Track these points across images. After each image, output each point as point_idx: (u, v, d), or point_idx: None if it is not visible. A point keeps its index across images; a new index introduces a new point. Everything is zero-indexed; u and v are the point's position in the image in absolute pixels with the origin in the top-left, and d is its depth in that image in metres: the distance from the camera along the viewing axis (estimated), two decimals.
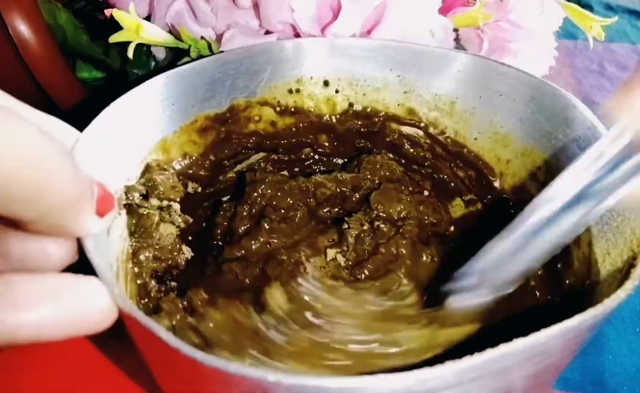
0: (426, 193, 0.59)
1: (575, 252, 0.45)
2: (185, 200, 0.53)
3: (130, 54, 0.62)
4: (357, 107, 0.60)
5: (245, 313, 0.46)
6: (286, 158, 0.61)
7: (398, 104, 0.59)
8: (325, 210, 0.56)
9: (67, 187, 0.30)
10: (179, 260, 0.50)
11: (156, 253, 0.49)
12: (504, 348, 0.28)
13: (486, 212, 0.58)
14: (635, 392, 0.52)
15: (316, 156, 0.62)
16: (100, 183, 0.34)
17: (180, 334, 0.43)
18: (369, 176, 0.58)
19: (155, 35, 0.64)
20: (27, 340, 0.31)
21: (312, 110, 0.60)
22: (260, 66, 0.56)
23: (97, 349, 0.53)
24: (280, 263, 0.50)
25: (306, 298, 0.48)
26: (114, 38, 0.62)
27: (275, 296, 0.47)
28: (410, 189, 0.58)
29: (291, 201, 0.55)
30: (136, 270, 0.47)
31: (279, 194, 0.55)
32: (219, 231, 0.54)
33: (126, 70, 0.70)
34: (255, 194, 0.55)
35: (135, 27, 0.61)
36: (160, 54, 0.70)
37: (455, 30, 0.66)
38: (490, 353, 0.28)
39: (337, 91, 0.59)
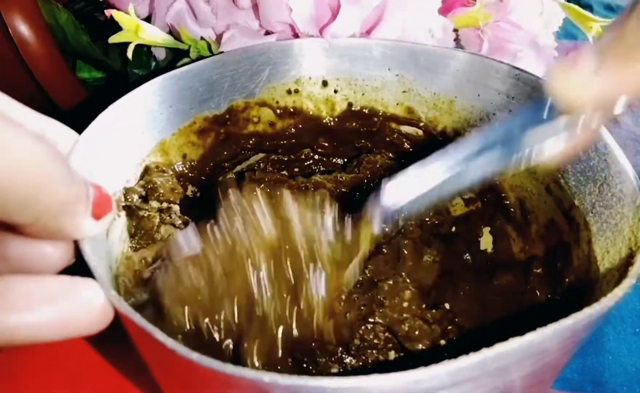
0: None
1: (575, 251, 0.46)
2: (185, 201, 0.53)
3: (129, 54, 0.62)
4: (356, 107, 0.60)
5: None
6: (285, 159, 0.61)
7: (397, 104, 0.59)
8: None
9: (61, 191, 0.30)
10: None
11: (156, 254, 0.49)
12: (500, 348, 0.28)
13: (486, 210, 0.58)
14: (635, 392, 0.52)
15: (316, 157, 0.62)
16: (97, 185, 0.34)
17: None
18: (369, 176, 0.59)
19: (154, 35, 0.64)
20: (25, 341, 0.31)
21: (311, 110, 0.60)
22: (258, 66, 0.56)
23: (97, 349, 0.54)
24: None
25: None
26: (114, 39, 0.62)
27: None
28: None
29: None
30: (136, 270, 0.47)
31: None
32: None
33: (126, 70, 0.70)
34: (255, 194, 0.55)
35: (134, 28, 0.61)
36: (161, 54, 0.70)
37: (455, 30, 0.66)
38: (486, 353, 0.28)
39: (335, 91, 0.59)
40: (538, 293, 0.49)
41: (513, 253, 0.55)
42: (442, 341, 0.47)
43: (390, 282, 0.49)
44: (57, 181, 0.29)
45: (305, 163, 0.62)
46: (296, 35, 0.61)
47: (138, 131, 0.49)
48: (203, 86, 0.54)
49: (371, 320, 0.46)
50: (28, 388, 0.52)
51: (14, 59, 0.59)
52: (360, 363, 0.45)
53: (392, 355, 0.46)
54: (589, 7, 1.04)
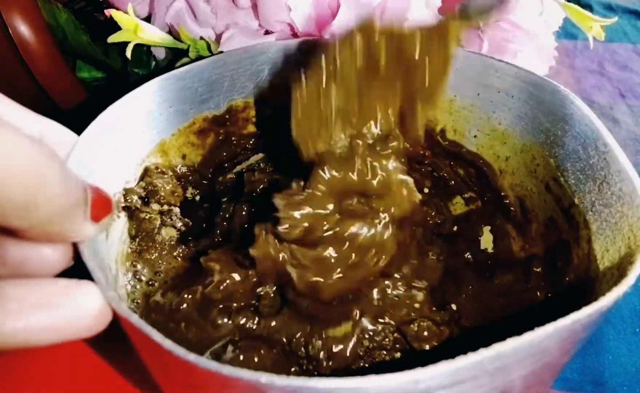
0: (426, 190, 0.59)
1: (575, 249, 0.45)
2: (185, 202, 0.53)
3: (128, 54, 0.62)
4: None
5: None
6: (286, 158, 0.61)
7: None
8: None
9: (59, 196, 0.30)
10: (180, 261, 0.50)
11: (157, 255, 0.49)
12: (498, 348, 0.28)
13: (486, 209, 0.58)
14: (635, 392, 0.52)
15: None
16: (95, 187, 0.34)
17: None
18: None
19: (153, 35, 0.64)
20: (22, 345, 0.31)
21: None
22: (258, 66, 0.56)
23: (96, 350, 0.54)
24: None
25: None
26: (113, 38, 0.62)
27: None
28: None
29: None
30: (135, 270, 0.48)
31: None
32: (218, 231, 0.53)
33: (126, 70, 0.70)
34: (254, 194, 0.55)
35: (133, 28, 0.61)
36: (160, 53, 0.70)
37: None
38: (484, 353, 0.28)
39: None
40: (538, 292, 0.49)
41: (513, 251, 0.54)
42: (449, 342, 0.47)
43: (402, 282, 0.49)
44: (55, 186, 0.29)
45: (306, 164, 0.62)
46: (295, 35, 0.61)
47: (138, 131, 0.49)
48: (202, 86, 0.54)
49: (381, 320, 0.46)
50: (28, 389, 0.52)
51: (14, 59, 0.59)
52: (367, 365, 0.45)
53: (399, 355, 0.46)
54: (589, 7, 1.05)
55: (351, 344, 0.44)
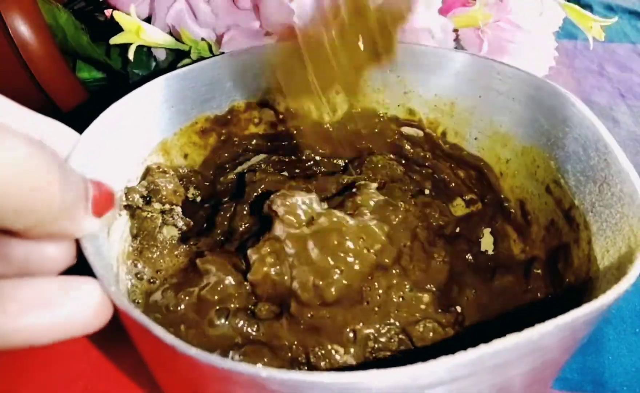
0: (427, 192, 0.59)
1: (575, 251, 0.45)
2: (187, 202, 0.54)
3: (131, 56, 0.62)
4: (357, 108, 0.60)
5: None
6: (287, 160, 0.61)
7: (398, 105, 0.59)
8: None
9: (57, 198, 0.30)
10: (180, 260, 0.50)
11: (159, 254, 0.49)
12: (498, 344, 0.28)
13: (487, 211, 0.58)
14: (636, 392, 0.52)
15: (317, 158, 0.62)
16: (97, 181, 0.34)
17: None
18: (370, 176, 0.59)
19: (155, 37, 0.64)
20: (22, 345, 0.31)
21: (313, 112, 0.60)
22: (260, 67, 0.56)
23: (97, 348, 0.54)
24: None
25: None
26: (115, 40, 0.62)
27: None
28: (411, 188, 0.58)
29: None
30: (136, 269, 0.48)
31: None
32: (219, 230, 0.54)
33: (127, 71, 0.70)
34: (255, 194, 0.55)
35: (135, 29, 0.61)
36: (161, 54, 0.70)
37: (455, 30, 0.66)
38: (484, 349, 0.28)
39: (337, 92, 0.59)
40: (538, 294, 0.49)
41: (514, 254, 0.54)
42: (453, 343, 0.47)
43: (408, 283, 0.49)
44: (52, 188, 0.29)
45: (307, 164, 0.62)
46: None
47: (139, 130, 0.49)
48: (205, 86, 0.54)
49: (389, 321, 0.46)
50: (28, 388, 0.52)
51: (14, 59, 0.59)
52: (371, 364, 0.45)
53: (404, 356, 0.46)
54: (589, 7, 1.05)
55: (353, 352, 0.45)
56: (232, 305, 0.46)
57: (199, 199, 0.56)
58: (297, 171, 0.61)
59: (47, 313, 0.31)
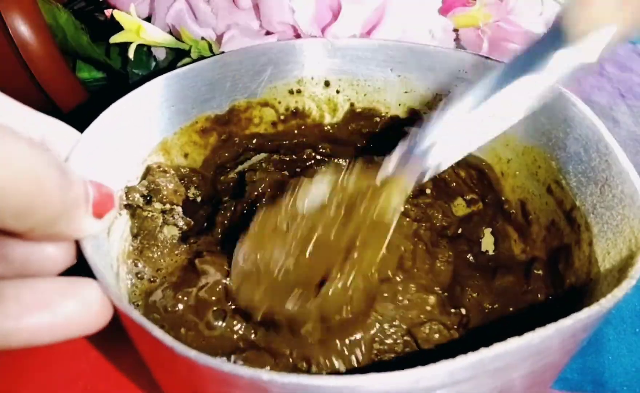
0: (428, 191, 0.59)
1: (576, 252, 0.45)
2: (187, 201, 0.54)
3: (131, 55, 0.62)
4: (358, 107, 0.60)
5: None
6: (287, 159, 0.61)
7: (399, 104, 0.59)
8: None
9: (57, 200, 0.30)
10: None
11: (159, 253, 0.49)
12: (498, 348, 0.28)
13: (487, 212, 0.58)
14: (635, 392, 0.52)
15: (318, 157, 0.62)
16: (97, 183, 0.34)
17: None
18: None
19: (155, 36, 0.64)
20: (22, 345, 0.31)
21: (314, 111, 0.60)
22: (260, 66, 0.56)
23: (97, 348, 0.54)
24: None
25: None
26: (115, 39, 0.62)
27: None
28: None
29: None
30: (137, 268, 0.48)
31: (279, 193, 0.55)
32: (219, 229, 0.54)
33: (127, 70, 0.70)
34: (256, 193, 0.55)
35: (135, 28, 0.61)
36: (161, 54, 0.70)
37: (455, 30, 0.66)
38: (484, 353, 0.28)
39: (338, 92, 0.59)
40: (539, 295, 0.49)
41: (514, 254, 0.54)
42: (458, 344, 0.47)
43: (414, 285, 0.49)
44: (52, 190, 0.29)
45: (307, 164, 0.62)
46: (297, 36, 0.61)
47: (140, 130, 0.49)
48: (205, 85, 0.54)
49: (395, 323, 0.46)
50: (27, 388, 0.52)
51: (14, 59, 0.59)
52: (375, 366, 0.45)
53: (408, 358, 0.46)
54: None
55: (356, 356, 0.45)
56: (229, 306, 0.46)
57: (199, 199, 0.56)
58: (297, 169, 0.61)
59: (47, 314, 0.31)
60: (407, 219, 0.53)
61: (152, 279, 0.48)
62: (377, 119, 0.60)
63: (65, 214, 0.31)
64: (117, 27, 0.61)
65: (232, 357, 0.43)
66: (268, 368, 0.42)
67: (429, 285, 0.49)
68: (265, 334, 0.45)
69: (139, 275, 0.47)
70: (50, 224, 0.30)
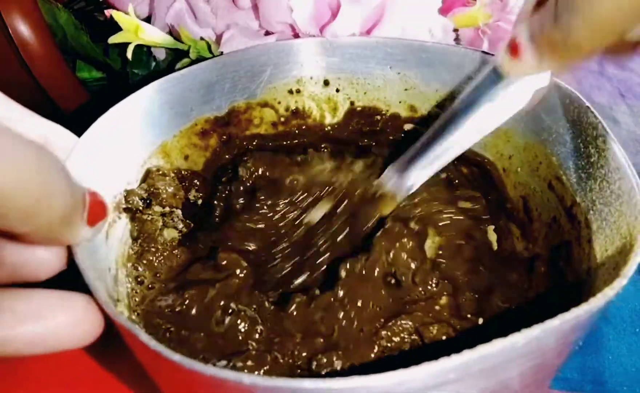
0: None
1: (577, 249, 0.45)
2: (187, 204, 0.54)
3: (129, 55, 0.62)
4: (359, 106, 0.60)
5: None
6: None
7: (399, 102, 0.59)
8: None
9: (61, 203, 0.30)
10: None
11: (159, 256, 0.49)
12: (482, 350, 0.28)
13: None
14: (635, 392, 0.52)
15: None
16: (92, 191, 0.34)
17: None
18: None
19: (154, 36, 0.64)
20: (14, 355, 0.32)
21: (314, 110, 0.60)
22: (259, 67, 0.56)
23: (94, 351, 0.54)
24: None
25: None
26: (113, 39, 0.62)
27: None
28: None
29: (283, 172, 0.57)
30: (137, 272, 0.48)
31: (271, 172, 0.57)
32: (217, 212, 0.54)
33: (126, 70, 0.70)
34: (248, 173, 0.55)
35: (134, 28, 0.62)
36: (161, 54, 0.70)
37: (455, 30, 0.66)
38: (468, 355, 0.28)
39: (337, 91, 0.59)
40: (539, 293, 0.49)
41: (517, 251, 0.54)
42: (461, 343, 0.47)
43: (426, 286, 0.49)
44: (57, 193, 0.29)
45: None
46: (296, 35, 0.61)
47: (139, 133, 0.50)
48: (204, 87, 0.54)
49: (404, 324, 0.46)
50: (28, 388, 0.52)
51: (14, 59, 0.59)
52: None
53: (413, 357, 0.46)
54: None
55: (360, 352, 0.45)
56: (236, 302, 0.46)
57: (200, 201, 0.56)
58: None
59: (40, 325, 0.32)
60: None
61: (152, 283, 0.48)
62: (378, 117, 0.60)
63: (66, 218, 0.31)
64: (117, 27, 0.61)
65: (233, 359, 0.43)
66: (267, 368, 0.42)
67: (441, 285, 0.49)
68: (266, 332, 0.45)
69: (138, 279, 0.48)
70: (51, 227, 0.30)
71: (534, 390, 0.36)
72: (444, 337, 0.46)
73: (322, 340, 0.45)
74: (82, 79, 0.72)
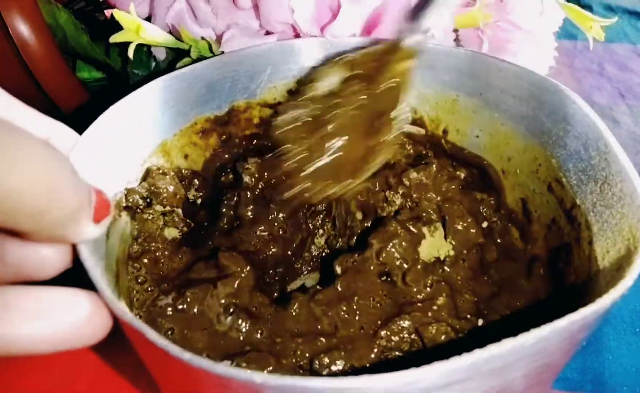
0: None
1: (577, 251, 0.45)
2: (187, 203, 0.54)
3: (130, 54, 0.62)
4: None
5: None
6: None
7: None
8: None
9: (70, 201, 0.30)
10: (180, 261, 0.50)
11: (160, 255, 0.49)
12: (493, 349, 0.28)
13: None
14: (635, 392, 0.52)
15: None
16: (97, 189, 0.34)
17: None
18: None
19: (155, 35, 0.64)
20: (22, 353, 0.32)
21: None
22: (259, 67, 0.56)
23: (96, 349, 0.54)
24: None
25: None
26: (115, 38, 0.62)
27: None
28: None
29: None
30: (138, 272, 0.48)
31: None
32: (225, 219, 0.54)
33: (126, 70, 0.70)
34: (253, 179, 0.55)
35: (135, 28, 0.61)
36: (161, 54, 0.70)
37: (455, 30, 0.66)
38: (479, 354, 0.28)
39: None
40: (540, 294, 0.49)
41: (516, 253, 0.54)
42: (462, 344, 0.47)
43: (420, 287, 0.49)
44: (66, 190, 0.29)
45: None
46: (297, 35, 0.61)
47: (139, 131, 0.49)
48: (204, 86, 0.54)
49: (403, 323, 0.47)
50: (27, 388, 0.52)
51: (14, 59, 0.59)
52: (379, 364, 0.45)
53: (413, 357, 0.46)
54: (589, 7, 1.04)
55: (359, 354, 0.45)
56: (237, 301, 0.46)
57: (199, 201, 0.56)
58: None
59: (49, 323, 0.32)
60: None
61: (153, 282, 0.48)
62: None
63: (74, 216, 0.31)
64: (117, 27, 0.61)
65: (236, 359, 0.43)
66: (270, 368, 0.43)
67: (440, 286, 0.50)
68: (267, 332, 0.45)
69: (139, 279, 0.47)
70: (59, 225, 0.30)
71: (538, 390, 0.37)
72: (443, 337, 0.46)
73: (323, 339, 0.45)
74: (82, 79, 0.72)
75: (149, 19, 0.68)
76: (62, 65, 0.63)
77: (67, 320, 0.32)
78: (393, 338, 0.46)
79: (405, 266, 0.50)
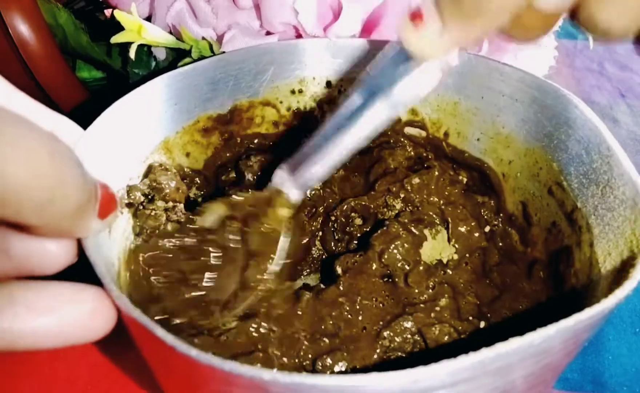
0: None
1: (577, 253, 0.45)
2: (188, 203, 0.53)
3: (132, 55, 0.62)
4: None
5: None
6: None
7: None
8: None
9: (76, 194, 0.30)
10: None
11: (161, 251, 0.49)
12: (500, 348, 0.28)
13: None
14: (635, 392, 0.52)
15: None
16: (103, 184, 0.34)
17: None
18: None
19: (156, 36, 0.64)
20: (29, 348, 0.32)
21: (315, 111, 0.60)
22: (262, 66, 0.56)
23: (98, 347, 0.54)
24: None
25: None
26: (116, 39, 0.62)
27: None
28: None
29: None
30: (140, 267, 0.47)
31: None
32: None
33: (127, 70, 0.70)
34: (255, 177, 0.56)
35: (137, 28, 0.61)
36: (161, 54, 0.70)
37: None
38: (486, 353, 0.28)
39: (339, 92, 0.59)
40: (541, 295, 0.49)
41: (516, 255, 0.54)
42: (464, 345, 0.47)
43: (422, 289, 0.50)
44: (72, 184, 0.29)
45: None
46: (299, 36, 0.61)
47: (142, 128, 0.50)
48: (207, 84, 0.54)
49: (405, 324, 0.47)
50: (28, 388, 0.52)
51: (14, 59, 0.59)
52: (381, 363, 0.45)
53: (416, 358, 0.46)
54: None
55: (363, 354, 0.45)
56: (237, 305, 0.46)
57: (200, 199, 0.56)
58: None
59: (55, 318, 0.32)
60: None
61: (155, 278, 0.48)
62: None
63: (80, 209, 0.31)
64: (117, 27, 0.61)
65: (240, 358, 0.43)
66: (275, 369, 0.43)
67: (443, 288, 0.50)
68: (272, 332, 0.45)
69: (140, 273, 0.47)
70: (64, 219, 0.30)
71: (541, 390, 0.37)
72: (446, 338, 0.46)
73: (326, 340, 0.45)
74: (82, 79, 0.72)
75: (149, 18, 0.68)
76: (62, 65, 0.63)
77: (73, 315, 0.32)
78: (396, 338, 0.46)
79: (407, 267, 0.50)
